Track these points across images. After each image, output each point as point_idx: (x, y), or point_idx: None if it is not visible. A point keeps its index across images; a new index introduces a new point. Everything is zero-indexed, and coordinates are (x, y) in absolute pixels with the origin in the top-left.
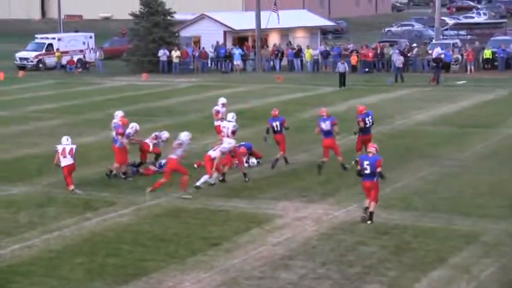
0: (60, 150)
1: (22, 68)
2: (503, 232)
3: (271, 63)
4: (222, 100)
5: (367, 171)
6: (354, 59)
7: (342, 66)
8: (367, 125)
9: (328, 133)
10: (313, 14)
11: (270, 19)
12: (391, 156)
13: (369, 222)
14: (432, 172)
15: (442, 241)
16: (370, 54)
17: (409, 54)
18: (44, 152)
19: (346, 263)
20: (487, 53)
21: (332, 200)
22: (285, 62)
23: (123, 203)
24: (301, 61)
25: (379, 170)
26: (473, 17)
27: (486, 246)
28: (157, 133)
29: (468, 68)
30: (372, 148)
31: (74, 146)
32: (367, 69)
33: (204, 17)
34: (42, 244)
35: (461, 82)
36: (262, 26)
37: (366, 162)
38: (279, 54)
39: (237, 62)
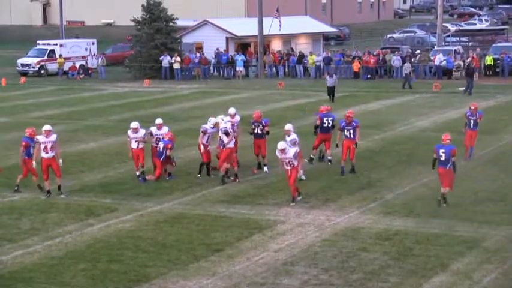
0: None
1: (24, 74)
2: (504, 238)
3: (274, 69)
4: (231, 111)
5: (442, 159)
6: (356, 66)
7: (330, 80)
8: (324, 125)
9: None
10: (315, 21)
11: (272, 25)
12: (393, 162)
13: (444, 205)
14: (434, 178)
15: (444, 247)
16: (372, 61)
17: (413, 60)
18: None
19: (348, 269)
20: (489, 60)
21: (334, 206)
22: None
23: (125, 209)
24: (304, 67)
25: (453, 159)
26: (475, 24)
27: (488, 252)
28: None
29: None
30: (447, 140)
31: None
32: (369, 76)
33: (206, 23)
34: (44, 250)
35: (463, 88)
36: (265, 32)
37: (441, 150)
38: (281, 60)
39: (239, 68)
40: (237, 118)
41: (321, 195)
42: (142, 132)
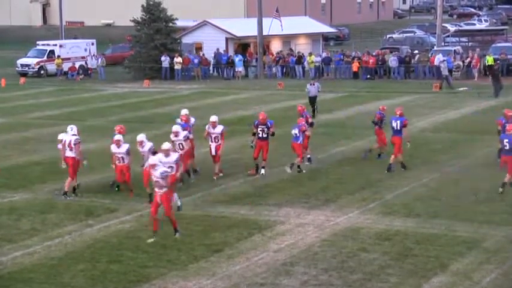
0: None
1: (23, 74)
2: (504, 238)
3: (273, 69)
4: (184, 112)
5: (506, 148)
6: (355, 66)
7: (312, 89)
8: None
9: (396, 131)
10: (315, 21)
11: (271, 26)
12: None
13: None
14: (433, 178)
15: (444, 247)
16: (371, 61)
17: (413, 61)
18: (46, 158)
19: (348, 269)
20: (489, 60)
21: (333, 206)
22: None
23: (125, 210)
24: (303, 68)
25: None
26: (474, 24)
27: (488, 252)
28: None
29: (475, 74)
30: (511, 130)
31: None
32: (368, 76)
33: (206, 24)
34: (44, 251)
35: (463, 89)
36: (264, 33)
37: (505, 140)
38: (280, 61)
39: (238, 68)
40: (192, 120)
41: (321, 196)
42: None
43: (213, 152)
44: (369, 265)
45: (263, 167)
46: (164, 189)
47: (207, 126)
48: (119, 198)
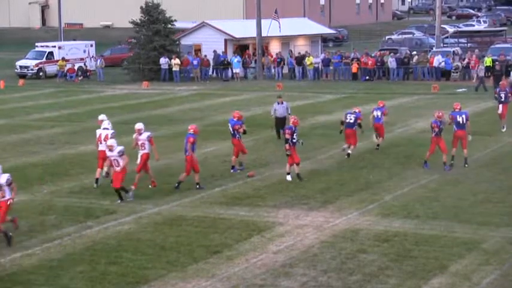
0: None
1: (22, 76)
2: (503, 239)
3: (272, 71)
4: (101, 117)
5: None
6: (354, 67)
7: (280, 109)
8: (347, 120)
9: (461, 125)
10: (313, 22)
11: (270, 27)
12: (391, 164)
13: None
14: (432, 180)
15: (443, 248)
16: (370, 63)
17: (411, 62)
18: (44, 160)
19: (347, 270)
20: (488, 61)
21: (332, 207)
22: (285, 70)
23: (124, 211)
24: (303, 69)
25: None
26: (473, 25)
27: (487, 253)
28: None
29: (474, 75)
30: None
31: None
32: (367, 77)
33: (204, 25)
34: (43, 252)
35: (461, 90)
36: (263, 34)
37: None
38: (281, 62)
39: (236, 70)
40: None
41: (320, 197)
42: None
43: (139, 160)
44: (368, 266)
45: (297, 174)
46: None
47: (134, 135)
48: (117, 199)
